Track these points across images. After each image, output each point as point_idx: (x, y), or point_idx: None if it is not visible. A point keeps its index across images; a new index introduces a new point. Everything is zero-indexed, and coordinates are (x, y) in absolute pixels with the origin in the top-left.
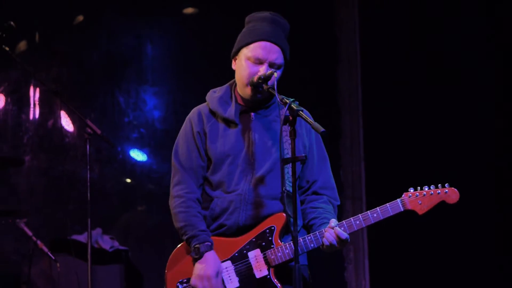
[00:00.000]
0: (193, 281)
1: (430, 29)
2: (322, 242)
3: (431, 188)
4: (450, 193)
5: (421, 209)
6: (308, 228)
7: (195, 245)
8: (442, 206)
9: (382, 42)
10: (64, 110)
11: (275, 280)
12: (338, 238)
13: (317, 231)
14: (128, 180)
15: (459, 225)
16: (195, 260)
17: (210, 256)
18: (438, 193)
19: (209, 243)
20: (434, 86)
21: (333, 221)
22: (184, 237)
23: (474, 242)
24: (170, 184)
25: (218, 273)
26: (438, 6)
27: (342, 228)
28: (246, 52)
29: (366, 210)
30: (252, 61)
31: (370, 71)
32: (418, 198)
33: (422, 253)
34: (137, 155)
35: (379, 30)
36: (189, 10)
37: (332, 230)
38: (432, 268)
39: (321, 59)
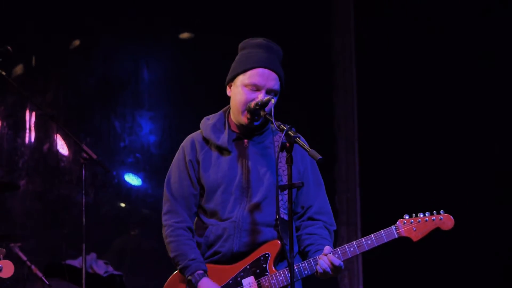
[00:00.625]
0: None
1: (426, 56)
2: (316, 269)
3: (426, 214)
4: (445, 220)
5: (415, 236)
6: (304, 254)
7: (188, 277)
8: (438, 233)
9: (377, 68)
10: (60, 134)
11: None
12: (332, 265)
13: (311, 258)
14: (123, 205)
15: (456, 253)
16: None
17: (204, 283)
18: (433, 219)
19: (201, 271)
20: (429, 113)
21: (327, 248)
22: (178, 268)
23: (472, 270)
24: (162, 212)
25: None
26: (435, 30)
27: (336, 255)
28: (243, 79)
29: (361, 236)
30: (249, 88)
31: (366, 97)
32: (413, 225)
33: (417, 280)
34: (133, 179)
35: (375, 57)
36: (185, 35)
37: (326, 257)
38: None
39: (317, 85)
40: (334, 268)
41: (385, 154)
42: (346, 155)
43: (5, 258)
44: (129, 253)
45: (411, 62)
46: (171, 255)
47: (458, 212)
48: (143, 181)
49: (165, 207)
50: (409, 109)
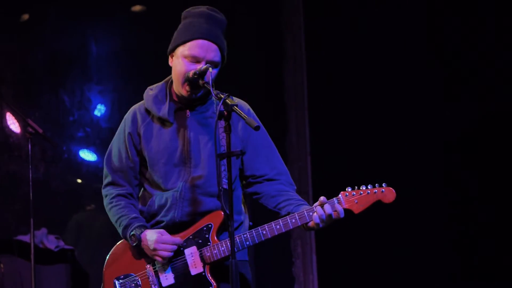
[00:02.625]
0: (157, 258)
1: (375, 26)
2: (313, 218)
3: (369, 187)
4: (386, 193)
5: (357, 208)
6: (279, 210)
7: (131, 232)
8: (395, 202)
9: (327, 39)
10: (8, 110)
11: (210, 277)
12: (336, 211)
13: (296, 213)
14: (79, 181)
15: (406, 221)
16: (137, 247)
17: (147, 232)
18: (375, 192)
19: (141, 225)
20: (379, 82)
21: (323, 198)
22: (120, 229)
23: (422, 238)
24: (102, 186)
25: (162, 233)
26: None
27: (278, 227)
28: (183, 50)
29: (312, 205)
30: (189, 59)
31: (315, 67)
32: (355, 197)
33: (369, 247)
34: (83, 154)
35: (324, 27)
36: (137, 8)
37: (328, 205)
38: (378, 262)
39: (267, 56)
40: (338, 215)
41: (335, 124)
42: (297, 124)
43: None
44: (82, 228)
45: (361, 30)
46: (114, 219)
47: (408, 180)
48: (93, 155)
49: (105, 181)
50: (359, 77)
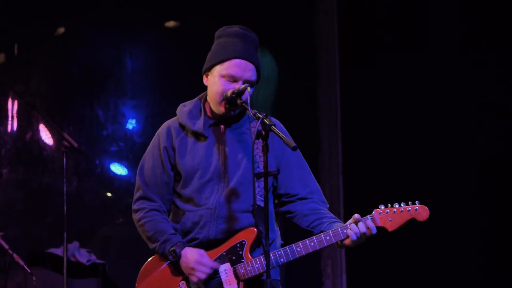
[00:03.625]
0: (191, 278)
1: (410, 46)
2: (348, 234)
3: (402, 205)
4: (420, 211)
5: (391, 226)
6: (312, 228)
7: (171, 248)
8: (429, 221)
9: (361, 57)
10: (43, 123)
11: None
12: (369, 229)
13: (330, 230)
14: (109, 194)
15: (440, 240)
16: (176, 263)
17: (188, 250)
18: (409, 210)
19: (182, 243)
20: (412, 101)
21: (357, 216)
22: (155, 244)
23: (455, 257)
24: (133, 200)
25: (202, 255)
26: (420, 18)
27: (312, 244)
28: (220, 70)
29: (346, 223)
30: (226, 78)
31: (349, 86)
32: (389, 215)
33: (399, 268)
34: (116, 168)
35: (358, 46)
36: (171, 24)
37: (362, 223)
38: (410, 282)
39: (301, 74)
40: (370, 232)
41: (368, 142)
42: (329, 143)
43: None
44: (113, 242)
45: (396, 49)
46: (148, 234)
47: (438, 202)
48: (126, 169)
49: (137, 194)
50: (393, 97)
